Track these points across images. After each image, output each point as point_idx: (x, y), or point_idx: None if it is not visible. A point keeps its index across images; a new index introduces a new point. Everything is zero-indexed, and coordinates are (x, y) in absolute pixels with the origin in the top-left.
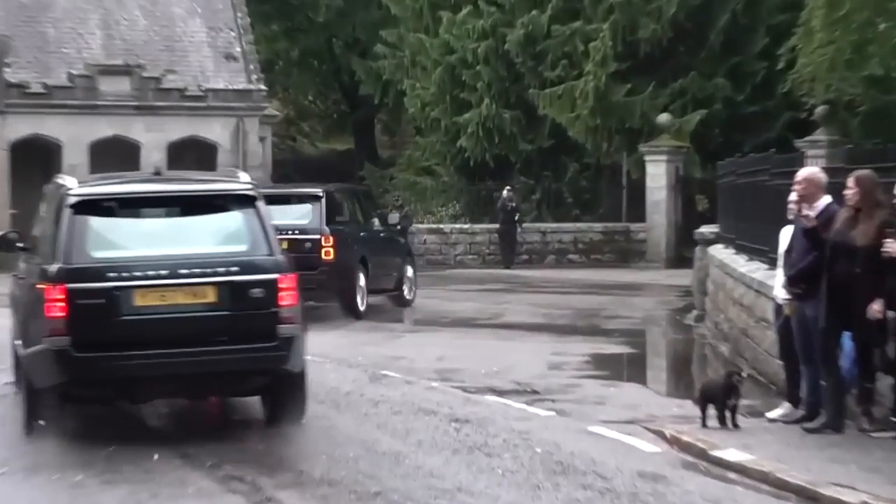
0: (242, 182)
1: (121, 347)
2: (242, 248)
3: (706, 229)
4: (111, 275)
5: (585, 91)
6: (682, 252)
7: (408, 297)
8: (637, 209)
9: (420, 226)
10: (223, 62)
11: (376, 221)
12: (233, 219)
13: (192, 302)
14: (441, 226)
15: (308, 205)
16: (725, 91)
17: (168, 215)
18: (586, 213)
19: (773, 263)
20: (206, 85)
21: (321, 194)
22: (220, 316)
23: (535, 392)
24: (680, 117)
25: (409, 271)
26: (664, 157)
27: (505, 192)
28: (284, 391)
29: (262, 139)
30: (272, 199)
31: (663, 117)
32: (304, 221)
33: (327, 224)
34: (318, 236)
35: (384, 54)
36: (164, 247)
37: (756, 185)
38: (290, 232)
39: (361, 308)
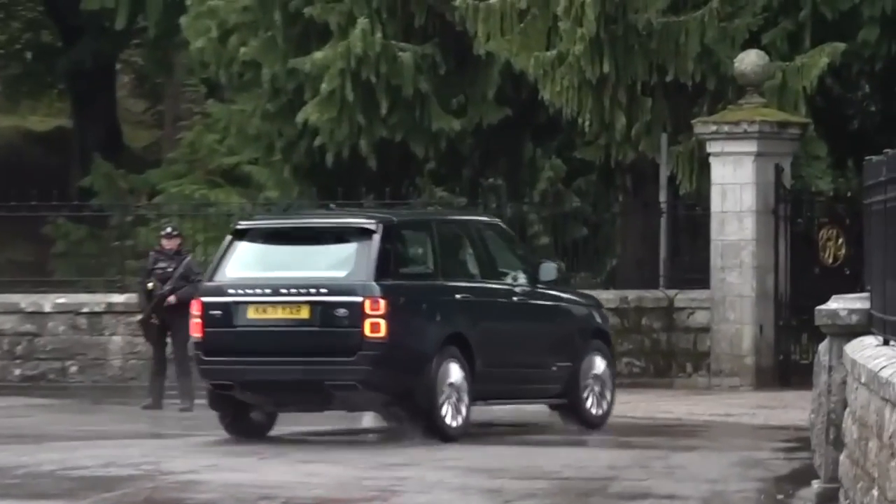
0: None
1: None
2: None
3: (841, 304)
4: None
5: (577, 1)
6: (790, 353)
7: (594, 411)
8: (692, 260)
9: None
10: None
11: (519, 277)
12: None
13: None
14: None
15: (351, 245)
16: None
17: None
18: (580, 268)
19: None
20: None
21: (373, 228)
22: None
23: None
24: (785, 60)
25: (599, 366)
26: (751, 148)
27: None
28: None
29: None
30: (285, 236)
31: (749, 60)
32: (340, 274)
33: (382, 278)
34: (359, 298)
35: None
36: None
37: None
38: (311, 291)
39: (453, 423)
